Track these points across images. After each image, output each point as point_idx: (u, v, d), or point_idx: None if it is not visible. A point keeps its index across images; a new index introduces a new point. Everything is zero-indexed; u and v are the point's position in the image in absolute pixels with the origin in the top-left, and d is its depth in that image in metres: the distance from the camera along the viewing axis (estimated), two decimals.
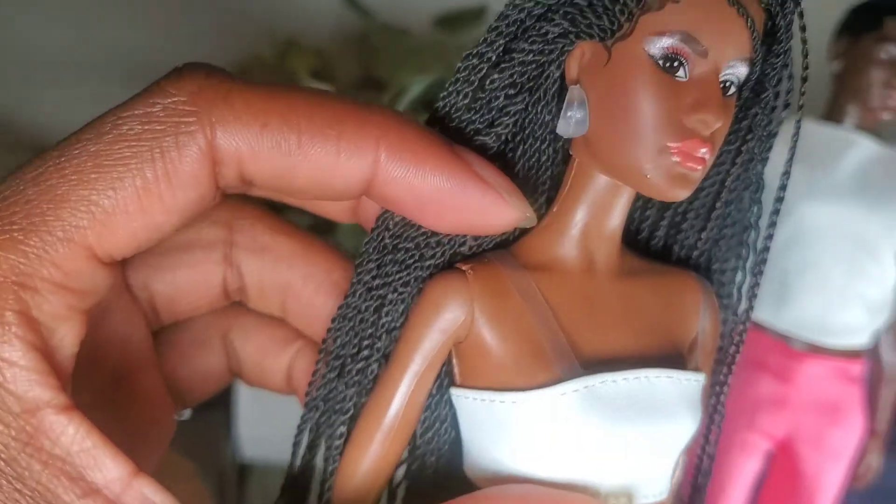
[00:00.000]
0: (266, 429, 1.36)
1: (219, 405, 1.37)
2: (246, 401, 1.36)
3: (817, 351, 1.24)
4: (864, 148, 1.22)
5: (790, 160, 0.30)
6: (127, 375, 0.29)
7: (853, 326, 1.23)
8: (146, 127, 0.23)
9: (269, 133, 0.23)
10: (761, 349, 1.24)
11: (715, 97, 0.26)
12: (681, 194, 0.27)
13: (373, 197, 0.26)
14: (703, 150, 0.26)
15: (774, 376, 1.25)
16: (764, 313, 1.24)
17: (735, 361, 0.31)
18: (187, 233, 0.31)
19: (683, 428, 0.28)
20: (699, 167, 0.26)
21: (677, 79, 0.26)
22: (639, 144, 0.26)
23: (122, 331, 0.29)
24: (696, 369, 0.30)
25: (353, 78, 1.33)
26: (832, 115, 1.23)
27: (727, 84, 0.27)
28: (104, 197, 0.23)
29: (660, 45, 0.25)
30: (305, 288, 0.31)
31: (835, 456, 1.25)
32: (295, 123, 0.24)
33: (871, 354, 1.27)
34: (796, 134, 0.29)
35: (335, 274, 0.31)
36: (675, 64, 0.26)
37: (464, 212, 0.26)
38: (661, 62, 0.26)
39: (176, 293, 0.31)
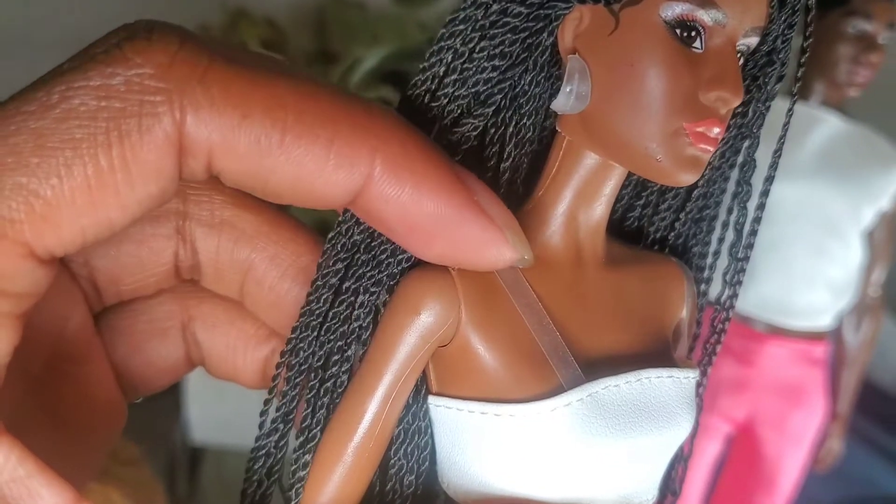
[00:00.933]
0: (218, 411, 1.34)
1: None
2: (196, 382, 1.32)
3: (779, 333, 1.22)
4: (830, 125, 1.20)
5: (783, 137, 0.28)
6: (65, 365, 0.25)
7: (816, 308, 1.22)
8: (103, 103, 0.19)
9: (249, 126, 0.20)
10: None
11: (733, 71, 0.24)
12: (689, 179, 0.24)
13: (355, 209, 0.23)
14: (718, 130, 0.24)
15: (735, 358, 1.23)
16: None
17: (716, 352, 0.29)
18: None
19: (683, 430, 0.26)
20: (712, 149, 0.24)
21: (693, 50, 0.23)
22: (650, 124, 0.24)
23: (58, 315, 0.25)
24: (684, 361, 0.28)
25: (305, 50, 1.29)
26: (797, 91, 1.20)
27: (737, 56, 0.24)
28: (47, 186, 0.19)
29: (678, 12, 0.23)
30: (269, 271, 0.27)
31: (796, 439, 1.23)
32: (281, 118, 0.20)
33: (833, 336, 1.25)
34: (791, 109, 0.27)
35: (304, 258, 0.27)
36: (693, 34, 0.23)
37: (458, 244, 0.23)
38: (677, 31, 0.23)
39: (121, 270, 0.27)
